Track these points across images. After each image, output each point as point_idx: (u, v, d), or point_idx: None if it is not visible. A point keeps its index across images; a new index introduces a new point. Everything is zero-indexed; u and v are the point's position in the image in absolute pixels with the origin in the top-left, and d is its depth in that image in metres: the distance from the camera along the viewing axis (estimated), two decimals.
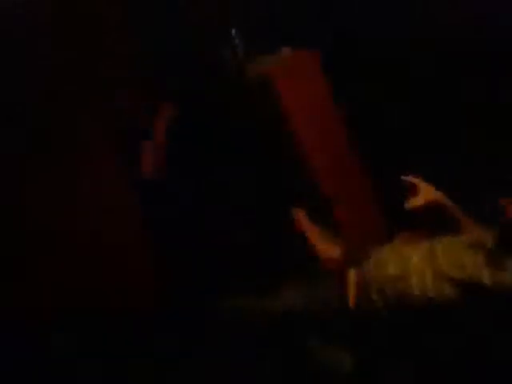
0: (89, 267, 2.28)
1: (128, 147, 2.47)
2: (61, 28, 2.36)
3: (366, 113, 2.69)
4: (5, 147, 2.23)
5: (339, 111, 2.73)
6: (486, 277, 1.34)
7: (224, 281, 2.09)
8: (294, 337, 1.78)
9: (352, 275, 1.71)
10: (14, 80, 2.24)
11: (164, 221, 2.31)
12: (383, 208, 2.68)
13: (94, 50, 2.47)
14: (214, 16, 2.76)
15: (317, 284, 1.84)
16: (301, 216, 2.16)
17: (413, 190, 1.70)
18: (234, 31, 2.70)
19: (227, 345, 1.91)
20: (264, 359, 1.85)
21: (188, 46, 2.81)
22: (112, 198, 2.35)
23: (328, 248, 2.02)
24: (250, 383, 1.90)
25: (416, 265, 1.51)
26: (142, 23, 2.74)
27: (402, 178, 1.73)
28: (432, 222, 1.97)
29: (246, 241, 2.14)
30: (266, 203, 2.30)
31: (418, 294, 1.46)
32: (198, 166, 2.36)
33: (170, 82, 2.77)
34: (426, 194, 1.68)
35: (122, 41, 2.61)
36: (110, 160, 2.41)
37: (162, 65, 2.77)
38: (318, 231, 2.12)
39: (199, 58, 2.80)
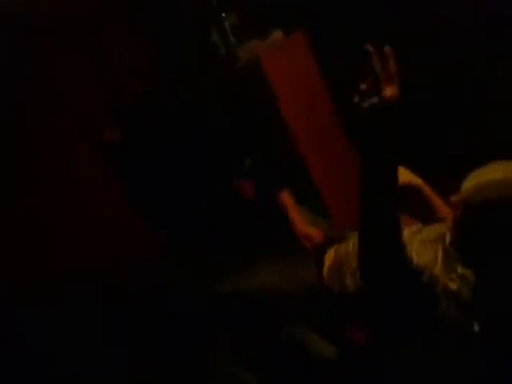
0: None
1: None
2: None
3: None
4: None
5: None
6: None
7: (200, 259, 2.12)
8: (269, 319, 1.83)
9: (329, 256, 1.75)
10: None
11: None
12: None
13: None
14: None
15: (293, 263, 1.87)
16: (285, 195, 2.21)
17: None
18: (223, 15, 2.70)
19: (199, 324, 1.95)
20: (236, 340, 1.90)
21: (178, 31, 2.81)
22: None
23: (308, 227, 2.08)
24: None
25: None
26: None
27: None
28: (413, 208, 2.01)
29: (224, 218, 2.17)
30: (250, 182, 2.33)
31: None
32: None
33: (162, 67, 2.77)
34: (401, 176, 1.61)
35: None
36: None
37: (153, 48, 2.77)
38: (298, 210, 2.17)
39: (189, 43, 2.80)
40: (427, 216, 1.66)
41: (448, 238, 1.40)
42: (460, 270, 1.32)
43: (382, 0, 2.67)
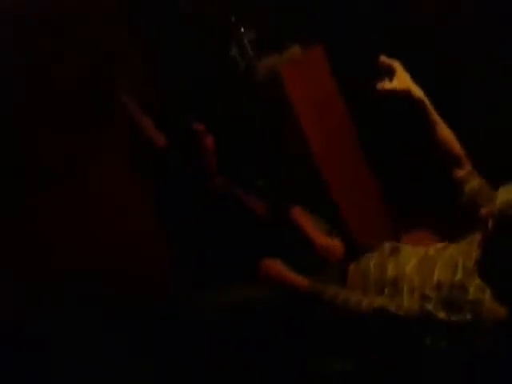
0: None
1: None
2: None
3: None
4: None
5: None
6: (441, 314, 1.35)
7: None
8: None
9: (351, 270, 1.73)
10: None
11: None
12: (388, 205, 2.73)
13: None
14: (224, 15, 2.78)
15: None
16: (298, 210, 2.19)
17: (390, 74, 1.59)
18: (242, 30, 2.73)
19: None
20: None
21: (198, 46, 2.84)
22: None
23: (327, 239, 2.05)
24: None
25: (408, 273, 1.51)
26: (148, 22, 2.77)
27: (381, 59, 1.61)
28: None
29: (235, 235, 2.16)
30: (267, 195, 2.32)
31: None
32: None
33: (180, 80, 2.80)
34: (401, 80, 1.57)
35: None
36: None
37: (173, 65, 2.80)
38: (313, 223, 2.14)
39: (210, 57, 2.83)
40: (453, 233, 1.61)
41: (477, 252, 1.38)
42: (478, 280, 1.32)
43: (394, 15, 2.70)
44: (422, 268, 1.49)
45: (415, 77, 1.62)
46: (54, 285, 2.21)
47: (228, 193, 2.19)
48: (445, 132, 1.58)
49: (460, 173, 1.57)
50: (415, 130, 1.65)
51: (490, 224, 1.28)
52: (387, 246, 1.69)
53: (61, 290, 2.22)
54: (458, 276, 1.37)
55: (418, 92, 1.57)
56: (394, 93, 1.58)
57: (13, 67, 2.29)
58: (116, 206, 2.41)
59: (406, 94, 1.57)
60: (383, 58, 1.61)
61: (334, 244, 2.03)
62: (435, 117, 1.58)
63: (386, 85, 1.58)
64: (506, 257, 1.28)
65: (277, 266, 1.73)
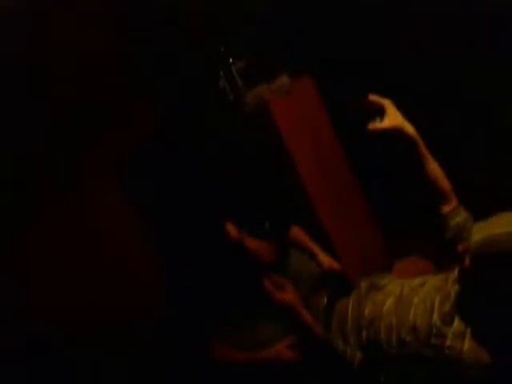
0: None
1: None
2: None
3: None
4: None
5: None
6: (427, 351, 1.36)
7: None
8: None
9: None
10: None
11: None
12: (381, 231, 2.73)
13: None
14: (214, 45, 2.80)
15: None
16: (297, 230, 2.20)
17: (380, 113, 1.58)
18: (231, 60, 2.75)
19: None
20: None
21: (188, 74, 2.86)
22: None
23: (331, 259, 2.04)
24: None
25: (385, 314, 1.52)
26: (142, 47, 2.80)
27: (370, 97, 1.59)
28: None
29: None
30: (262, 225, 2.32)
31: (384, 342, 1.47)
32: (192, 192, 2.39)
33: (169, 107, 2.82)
34: (392, 118, 1.55)
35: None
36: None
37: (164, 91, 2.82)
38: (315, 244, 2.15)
39: (199, 86, 2.85)
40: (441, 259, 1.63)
41: (454, 288, 1.39)
42: (456, 323, 1.32)
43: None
44: (398, 307, 1.49)
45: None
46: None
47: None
48: (434, 168, 1.58)
49: (446, 208, 1.57)
50: (405, 159, 1.65)
51: (467, 260, 1.30)
52: (363, 285, 1.69)
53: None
54: (435, 319, 1.37)
55: (409, 129, 1.57)
56: (385, 131, 1.57)
57: None
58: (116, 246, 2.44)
59: (397, 132, 1.56)
60: (373, 97, 1.60)
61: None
62: (425, 153, 1.58)
63: (377, 124, 1.57)
64: (481, 293, 1.30)
65: (298, 306, 1.66)
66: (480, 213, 1.46)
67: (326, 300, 1.73)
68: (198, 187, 2.36)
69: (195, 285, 2.14)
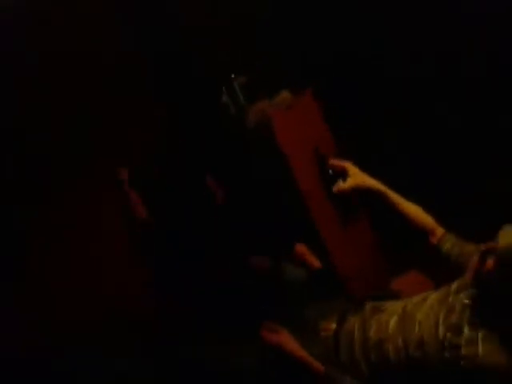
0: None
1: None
2: None
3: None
4: None
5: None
6: (440, 367, 1.35)
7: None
8: None
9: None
10: None
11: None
12: (383, 252, 2.73)
13: None
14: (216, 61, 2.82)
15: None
16: (300, 245, 2.22)
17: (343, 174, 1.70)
18: (232, 76, 2.77)
19: None
20: None
21: (189, 90, 2.88)
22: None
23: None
24: None
25: (391, 334, 1.51)
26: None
27: (332, 161, 1.73)
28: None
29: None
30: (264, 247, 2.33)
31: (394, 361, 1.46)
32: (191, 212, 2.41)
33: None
34: (355, 177, 1.68)
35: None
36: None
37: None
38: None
39: (200, 102, 2.87)
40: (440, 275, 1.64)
41: (458, 299, 1.39)
42: (466, 331, 1.32)
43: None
44: (402, 325, 1.48)
45: None
46: None
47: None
48: (409, 209, 1.67)
49: (433, 240, 1.65)
50: None
51: (490, 262, 1.30)
52: (368, 307, 1.68)
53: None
54: (443, 332, 1.36)
55: (373, 183, 1.68)
56: (350, 191, 1.68)
57: None
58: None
59: (363, 189, 1.67)
60: (333, 161, 1.73)
61: None
62: (396, 199, 1.68)
63: (341, 186, 1.69)
64: (500, 294, 1.29)
65: (291, 344, 1.68)
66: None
67: (335, 325, 1.72)
68: (198, 203, 2.36)
69: (193, 291, 2.15)
